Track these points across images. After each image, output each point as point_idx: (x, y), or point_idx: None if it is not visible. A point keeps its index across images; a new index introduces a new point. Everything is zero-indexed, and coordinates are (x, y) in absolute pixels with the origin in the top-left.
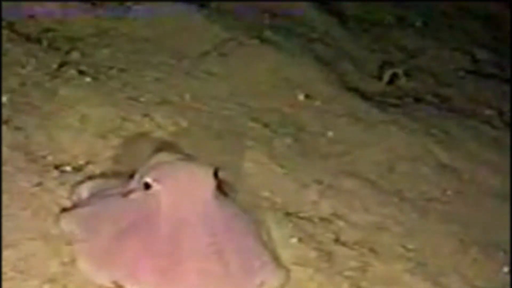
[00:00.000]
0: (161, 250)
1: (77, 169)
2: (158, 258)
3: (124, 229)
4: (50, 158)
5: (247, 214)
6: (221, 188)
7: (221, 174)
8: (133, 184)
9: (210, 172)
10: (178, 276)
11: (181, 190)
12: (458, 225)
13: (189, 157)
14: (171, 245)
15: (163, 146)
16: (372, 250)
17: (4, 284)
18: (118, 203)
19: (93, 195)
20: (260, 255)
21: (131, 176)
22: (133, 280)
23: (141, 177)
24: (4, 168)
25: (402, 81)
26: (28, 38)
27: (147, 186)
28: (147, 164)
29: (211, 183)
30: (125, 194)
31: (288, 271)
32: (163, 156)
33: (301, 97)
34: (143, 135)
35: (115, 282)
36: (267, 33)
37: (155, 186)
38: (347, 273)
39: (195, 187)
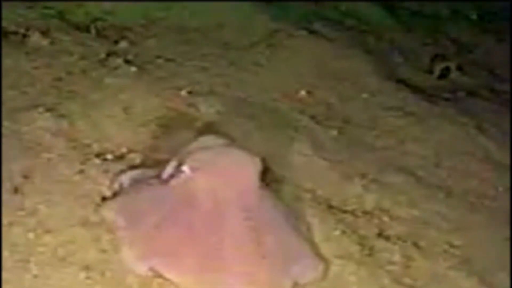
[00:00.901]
0: (199, 239)
1: (119, 158)
2: (197, 247)
3: (163, 217)
4: (93, 146)
5: (287, 205)
6: (263, 177)
7: (264, 164)
8: (173, 170)
9: (253, 160)
10: (215, 266)
11: (221, 177)
12: (507, 223)
13: (232, 143)
14: (210, 233)
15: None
16: (416, 245)
17: (42, 270)
18: (157, 190)
19: (134, 183)
20: (299, 247)
21: (172, 161)
22: (171, 269)
23: (181, 162)
24: (47, 155)
25: (454, 75)
26: (76, 27)
27: (186, 170)
28: (187, 148)
29: (253, 171)
30: (165, 181)
31: (327, 264)
32: (204, 141)
33: (348, 89)
34: (187, 125)
35: (153, 270)
36: (316, 25)
37: (195, 171)
38: (389, 267)
39: (236, 174)
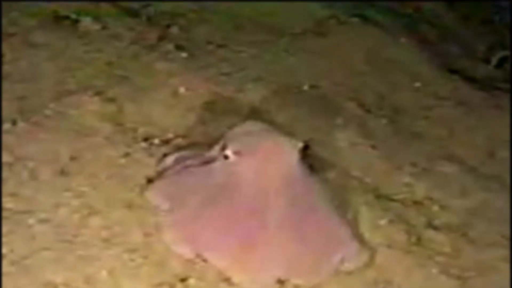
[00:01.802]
0: (241, 223)
1: (165, 142)
2: (239, 230)
3: (206, 199)
4: (140, 130)
5: (331, 191)
6: (307, 161)
7: (307, 149)
8: (216, 152)
9: (295, 144)
10: (257, 250)
11: (264, 161)
12: None
13: (275, 128)
14: (252, 217)
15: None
16: (466, 236)
17: (85, 251)
18: (200, 172)
19: (178, 166)
20: (342, 233)
21: (215, 144)
22: (214, 252)
23: (224, 145)
24: (93, 138)
25: None
26: (127, 12)
27: (230, 154)
28: (231, 132)
29: (295, 156)
30: (208, 163)
31: (372, 252)
32: (248, 126)
33: (400, 78)
34: (234, 110)
35: (197, 254)
36: (369, 12)
37: (238, 155)
38: (437, 258)
39: (279, 159)
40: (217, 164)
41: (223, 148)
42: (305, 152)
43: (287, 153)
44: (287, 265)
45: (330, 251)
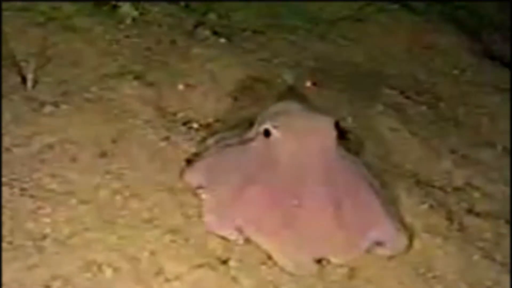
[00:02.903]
0: (280, 200)
1: (204, 127)
2: (277, 208)
3: (245, 178)
4: (179, 114)
5: (370, 172)
6: (344, 141)
7: (345, 129)
8: (254, 132)
9: (331, 122)
10: (295, 228)
11: (301, 138)
12: None
13: (311, 108)
14: (290, 195)
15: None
16: (508, 222)
17: (128, 233)
18: (239, 152)
19: (218, 146)
20: (380, 215)
21: (252, 124)
22: (255, 228)
23: (261, 124)
24: (134, 121)
25: None
26: None
27: (266, 133)
28: (267, 111)
29: (332, 133)
30: (246, 143)
31: (412, 235)
32: (284, 105)
33: (439, 64)
34: (272, 95)
35: (238, 229)
36: None
37: (275, 133)
38: (479, 244)
39: (315, 136)
40: (255, 143)
41: (261, 127)
42: (342, 130)
43: (323, 130)
44: (324, 244)
45: (366, 231)
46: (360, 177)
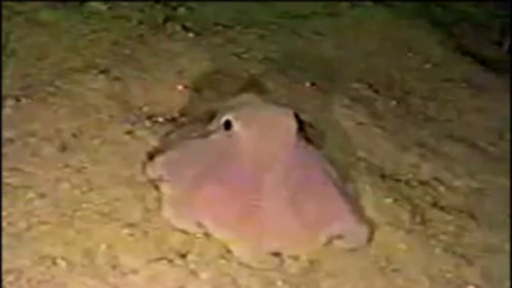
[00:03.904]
0: (240, 192)
1: (170, 120)
2: (237, 202)
3: (204, 171)
4: (144, 109)
5: (331, 164)
6: (305, 134)
7: (301, 118)
8: (215, 125)
9: (291, 114)
10: (254, 221)
11: (261, 131)
12: None
13: (272, 100)
14: (250, 187)
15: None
16: (472, 216)
17: (85, 226)
18: (199, 145)
19: (177, 140)
20: (340, 208)
21: (213, 117)
22: (213, 222)
23: (222, 117)
24: (98, 115)
25: None
26: None
27: (227, 125)
28: (228, 104)
29: (292, 125)
30: (207, 135)
31: (373, 229)
32: (245, 98)
33: (411, 60)
34: (241, 90)
35: (197, 223)
36: None
37: (236, 125)
38: (441, 237)
39: (276, 128)
40: (215, 136)
41: (221, 120)
42: (302, 123)
43: (283, 123)
44: (283, 237)
45: (325, 225)
46: (320, 170)
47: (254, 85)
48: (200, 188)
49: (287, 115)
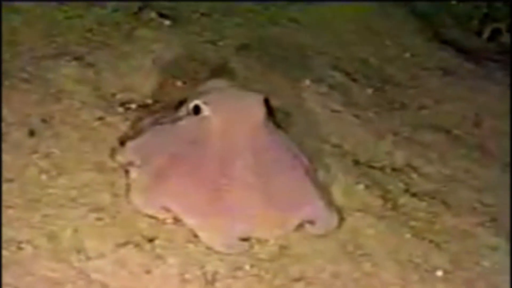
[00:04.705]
0: (208, 177)
1: (142, 107)
2: (205, 185)
3: (173, 156)
4: (117, 96)
5: (300, 150)
6: (274, 118)
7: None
8: (184, 110)
9: (261, 99)
10: (224, 207)
11: (230, 115)
12: None
13: (242, 86)
14: (218, 172)
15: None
16: (444, 202)
17: (52, 211)
18: (169, 130)
19: (148, 126)
20: (309, 193)
21: (183, 102)
22: (181, 207)
23: (191, 102)
24: (70, 101)
25: (505, 38)
26: None
27: (196, 110)
28: (198, 89)
29: (261, 110)
30: (176, 121)
31: (342, 215)
32: (214, 83)
33: (390, 48)
34: (217, 77)
35: (164, 208)
36: None
37: (205, 110)
38: (412, 223)
39: (245, 113)
40: (185, 121)
41: (190, 104)
42: (271, 108)
43: (252, 107)
44: (252, 222)
45: (294, 210)
46: (289, 155)
47: (227, 72)
48: (168, 173)
49: (256, 100)
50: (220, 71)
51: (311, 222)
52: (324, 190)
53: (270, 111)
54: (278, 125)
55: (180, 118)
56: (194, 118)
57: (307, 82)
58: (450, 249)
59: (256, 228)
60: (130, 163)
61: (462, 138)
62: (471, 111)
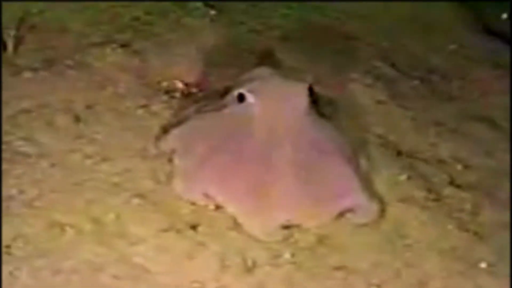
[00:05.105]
0: (250, 165)
1: (187, 96)
2: (247, 172)
3: (217, 143)
4: (162, 83)
5: (344, 139)
6: (318, 107)
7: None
8: (229, 98)
9: (305, 87)
10: (263, 194)
11: (274, 103)
12: None
13: (287, 73)
14: (260, 159)
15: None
16: (489, 195)
17: (95, 196)
18: (213, 118)
19: (191, 114)
20: (351, 182)
21: (228, 91)
22: (222, 194)
23: (236, 90)
24: (114, 89)
25: None
26: None
27: (241, 98)
28: (242, 77)
29: (305, 98)
30: (220, 109)
31: (383, 205)
32: (259, 71)
33: (436, 39)
34: (260, 66)
35: (206, 195)
36: None
37: (249, 98)
38: (455, 214)
39: (289, 101)
40: (229, 109)
41: (234, 93)
42: (316, 96)
43: (296, 96)
44: (293, 210)
45: (338, 197)
46: (332, 144)
47: (273, 61)
48: (210, 160)
49: (300, 88)
50: (266, 60)
51: (352, 211)
52: (366, 180)
53: (315, 100)
54: (322, 114)
55: (224, 106)
56: (238, 106)
57: (353, 72)
58: (494, 241)
59: (297, 216)
60: (173, 150)
61: (508, 130)
62: None
